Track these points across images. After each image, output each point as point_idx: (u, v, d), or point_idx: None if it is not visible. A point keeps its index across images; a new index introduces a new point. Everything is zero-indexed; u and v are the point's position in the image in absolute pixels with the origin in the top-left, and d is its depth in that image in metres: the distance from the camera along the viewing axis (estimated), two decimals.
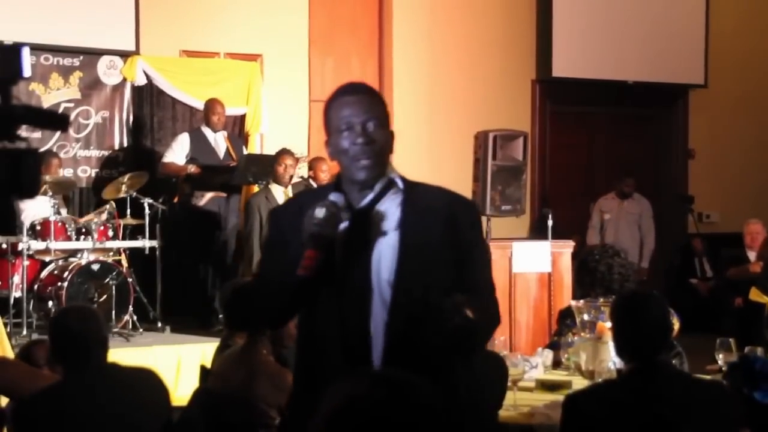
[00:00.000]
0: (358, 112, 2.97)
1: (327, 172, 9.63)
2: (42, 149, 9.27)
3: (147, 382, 3.84)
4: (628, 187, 11.21)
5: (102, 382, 3.72)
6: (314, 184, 9.43)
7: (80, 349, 3.71)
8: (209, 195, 9.25)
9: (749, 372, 2.97)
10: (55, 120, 2.55)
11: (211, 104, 9.50)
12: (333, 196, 2.96)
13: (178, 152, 9.29)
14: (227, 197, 9.33)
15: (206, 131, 9.47)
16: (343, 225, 2.92)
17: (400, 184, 2.99)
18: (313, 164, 9.70)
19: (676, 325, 4.68)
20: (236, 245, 9.40)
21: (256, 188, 9.34)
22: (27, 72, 2.29)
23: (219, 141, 9.48)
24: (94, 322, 3.82)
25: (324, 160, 9.79)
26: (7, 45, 2.32)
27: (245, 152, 9.79)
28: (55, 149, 9.45)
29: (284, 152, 9.00)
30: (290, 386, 3.94)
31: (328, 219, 2.86)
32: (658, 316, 3.57)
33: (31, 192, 2.31)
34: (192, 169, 9.16)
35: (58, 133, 9.65)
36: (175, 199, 9.33)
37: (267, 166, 9.19)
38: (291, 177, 8.78)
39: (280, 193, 8.76)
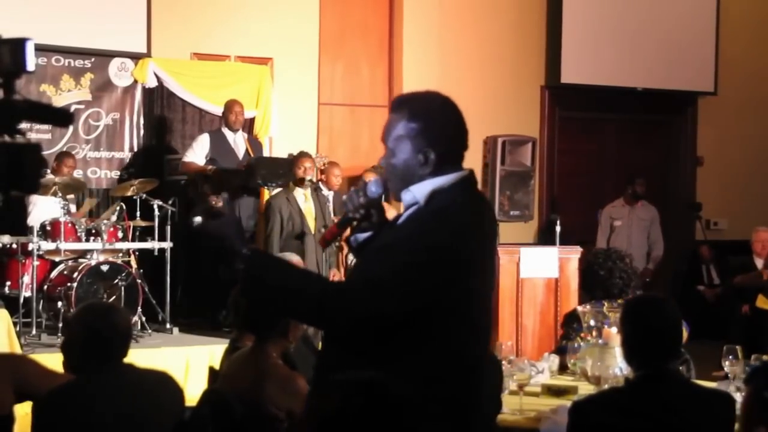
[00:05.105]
0: (383, 135, 2.98)
1: (339, 176, 9.67)
2: (52, 150, 9.33)
3: (163, 385, 3.86)
4: (641, 187, 11.08)
5: (118, 381, 3.74)
6: (324, 188, 9.48)
7: (103, 347, 3.73)
8: (224, 196, 9.26)
9: None
10: (58, 116, 2.50)
11: (230, 104, 9.55)
12: (373, 186, 3.00)
13: (198, 152, 9.33)
14: (240, 199, 9.34)
15: (226, 132, 9.53)
16: (365, 235, 3.03)
17: (422, 202, 2.89)
18: (325, 168, 9.75)
19: (684, 334, 4.70)
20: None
21: (266, 191, 9.37)
22: (31, 66, 2.26)
23: (238, 142, 9.52)
24: (121, 320, 3.84)
25: (337, 164, 9.83)
26: (11, 38, 2.29)
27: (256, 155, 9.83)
28: (67, 151, 9.49)
29: (303, 155, 9.05)
30: (300, 390, 3.97)
31: (355, 205, 2.99)
32: (668, 322, 3.53)
33: (32, 188, 2.30)
34: (208, 168, 9.20)
35: (68, 135, 9.71)
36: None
37: (277, 169, 9.21)
38: (310, 180, 8.83)
39: (301, 195, 8.80)
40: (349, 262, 9.10)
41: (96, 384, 3.72)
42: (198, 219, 2.88)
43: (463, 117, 2.98)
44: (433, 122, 2.92)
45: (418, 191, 2.88)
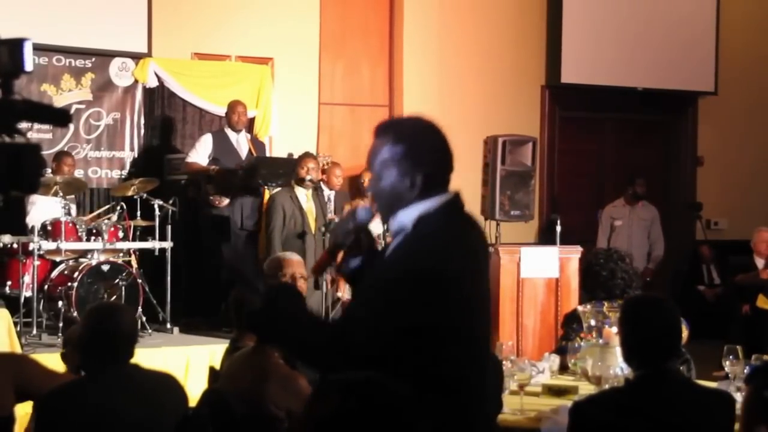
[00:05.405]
0: (368, 160, 3.00)
1: (340, 177, 9.68)
2: (53, 150, 9.33)
3: (167, 388, 3.88)
4: (641, 187, 11.07)
5: (122, 382, 3.75)
6: (325, 188, 9.49)
7: (107, 347, 3.74)
8: (227, 197, 9.24)
9: None
10: (57, 116, 2.50)
11: (233, 104, 9.54)
12: (362, 212, 3.01)
13: (201, 152, 9.32)
14: (241, 199, 9.33)
15: (229, 132, 9.52)
16: (356, 262, 3.02)
17: (410, 227, 2.87)
18: (327, 169, 9.76)
19: (685, 333, 4.71)
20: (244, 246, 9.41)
21: (267, 190, 9.37)
22: (29, 66, 2.26)
23: (241, 142, 9.51)
24: (126, 321, 3.85)
25: (338, 165, 9.84)
26: (9, 39, 2.29)
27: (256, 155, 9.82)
28: (66, 150, 9.49)
29: (307, 156, 9.05)
30: (301, 390, 3.97)
31: (344, 231, 3.00)
32: (667, 322, 3.52)
33: (32, 188, 2.30)
34: (211, 168, 9.21)
35: (69, 134, 9.71)
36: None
37: (277, 169, 9.21)
38: (312, 180, 8.84)
39: (303, 195, 8.82)
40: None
41: (99, 384, 3.73)
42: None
43: (447, 139, 2.96)
44: (418, 145, 2.91)
45: (405, 217, 2.87)
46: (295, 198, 8.79)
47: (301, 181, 8.84)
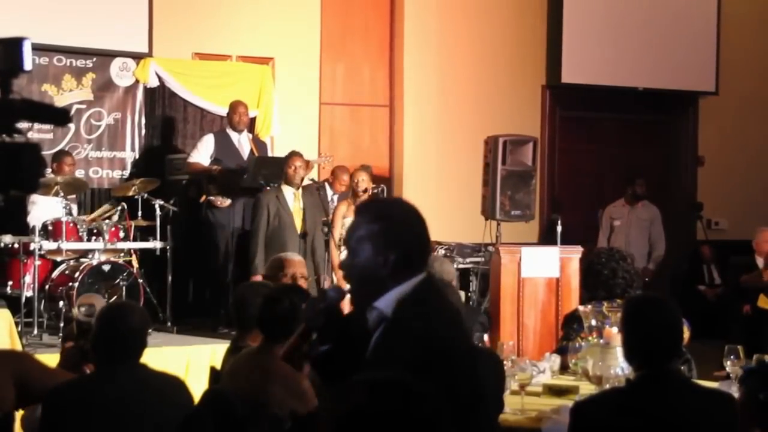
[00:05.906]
0: (345, 238, 3.05)
1: (344, 185, 9.66)
2: (54, 149, 9.34)
3: (175, 388, 3.89)
4: (641, 187, 11.04)
5: (132, 380, 3.76)
6: (329, 189, 9.49)
7: (121, 345, 3.76)
8: (228, 198, 9.23)
9: (767, 377, 2.99)
10: (56, 115, 2.52)
11: (235, 105, 9.53)
12: (332, 292, 3.02)
13: (203, 152, 9.31)
14: (243, 199, 9.31)
15: (231, 133, 9.51)
16: (325, 346, 2.99)
17: (389, 314, 2.84)
18: (336, 172, 9.76)
19: (687, 333, 4.71)
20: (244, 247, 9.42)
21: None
22: (28, 65, 2.26)
23: (243, 142, 9.50)
24: (135, 320, 3.86)
25: (346, 170, 9.83)
26: (8, 38, 2.30)
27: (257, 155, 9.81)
28: (66, 150, 9.50)
29: (294, 154, 9.04)
30: (305, 391, 3.97)
31: (314, 313, 2.99)
32: (668, 321, 3.52)
33: (31, 187, 2.31)
34: (213, 168, 9.20)
35: (70, 134, 9.72)
36: (202, 199, 9.30)
37: (278, 169, 9.21)
38: (301, 179, 8.83)
39: (291, 194, 8.80)
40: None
41: (108, 381, 3.75)
42: None
43: (425, 223, 2.96)
44: (394, 225, 2.92)
45: (384, 305, 2.86)
46: (282, 198, 8.77)
47: (291, 181, 8.82)
